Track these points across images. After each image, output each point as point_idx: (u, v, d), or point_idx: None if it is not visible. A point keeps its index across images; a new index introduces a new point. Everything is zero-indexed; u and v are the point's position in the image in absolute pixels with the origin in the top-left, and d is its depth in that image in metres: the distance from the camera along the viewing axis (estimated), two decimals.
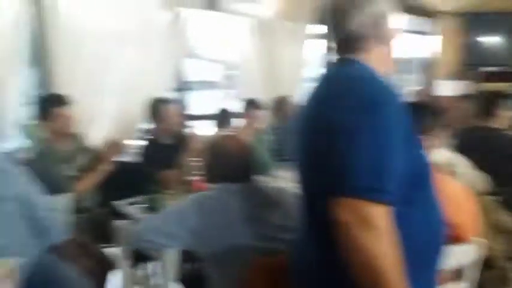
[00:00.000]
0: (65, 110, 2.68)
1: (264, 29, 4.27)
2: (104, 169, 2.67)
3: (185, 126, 3.30)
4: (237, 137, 1.96)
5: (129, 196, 2.61)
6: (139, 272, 2.33)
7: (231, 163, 1.72)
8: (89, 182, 2.67)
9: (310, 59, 4.74)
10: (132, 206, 2.48)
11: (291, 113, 3.66)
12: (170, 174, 2.75)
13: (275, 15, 4.29)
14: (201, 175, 2.55)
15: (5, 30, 2.78)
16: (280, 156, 3.39)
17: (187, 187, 2.57)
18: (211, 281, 1.66)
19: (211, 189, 1.73)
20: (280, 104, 3.95)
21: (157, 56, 3.49)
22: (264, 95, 4.00)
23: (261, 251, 1.58)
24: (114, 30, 3.20)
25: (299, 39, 4.57)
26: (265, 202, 1.70)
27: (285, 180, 2.46)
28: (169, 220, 1.63)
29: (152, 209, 2.36)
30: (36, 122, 2.81)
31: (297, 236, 1.36)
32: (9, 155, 2.72)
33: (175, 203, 1.88)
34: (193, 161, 2.76)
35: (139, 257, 2.13)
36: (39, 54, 3.08)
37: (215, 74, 4.85)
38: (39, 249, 1.80)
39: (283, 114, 3.87)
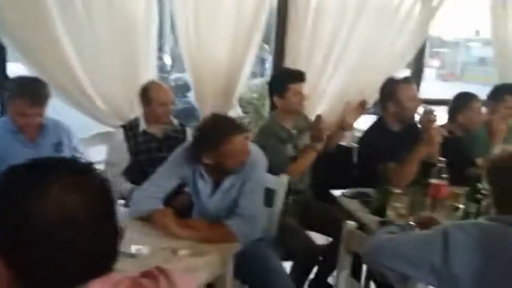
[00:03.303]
0: (300, 87, 2.51)
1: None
2: (315, 150, 2.41)
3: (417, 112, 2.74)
4: None
5: (341, 181, 2.43)
6: None
7: None
8: (303, 164, 2.45)
9: None
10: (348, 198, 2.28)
11: None
12: (393, 167, 2.32)
13: None
14: (443, 179, 2.09)
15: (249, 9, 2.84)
16: None
17: (423, 189, 2.13)
18: None
19: (492, 220, 1.24)
20: None
21: (393, 33, 3.16)
22: None
23: None
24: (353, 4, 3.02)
25: None
26: None
27: None
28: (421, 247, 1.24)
29: (377, 207, 2.06)
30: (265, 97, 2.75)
31: None
32: None
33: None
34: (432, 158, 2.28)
35: None
36: (277, 30, 3.07)
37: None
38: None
39: None
